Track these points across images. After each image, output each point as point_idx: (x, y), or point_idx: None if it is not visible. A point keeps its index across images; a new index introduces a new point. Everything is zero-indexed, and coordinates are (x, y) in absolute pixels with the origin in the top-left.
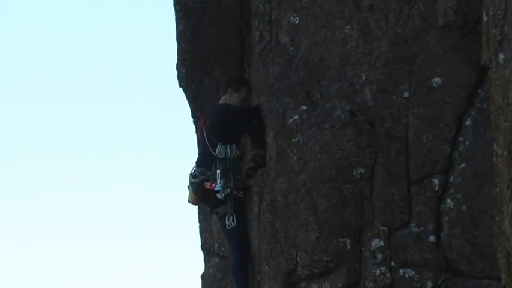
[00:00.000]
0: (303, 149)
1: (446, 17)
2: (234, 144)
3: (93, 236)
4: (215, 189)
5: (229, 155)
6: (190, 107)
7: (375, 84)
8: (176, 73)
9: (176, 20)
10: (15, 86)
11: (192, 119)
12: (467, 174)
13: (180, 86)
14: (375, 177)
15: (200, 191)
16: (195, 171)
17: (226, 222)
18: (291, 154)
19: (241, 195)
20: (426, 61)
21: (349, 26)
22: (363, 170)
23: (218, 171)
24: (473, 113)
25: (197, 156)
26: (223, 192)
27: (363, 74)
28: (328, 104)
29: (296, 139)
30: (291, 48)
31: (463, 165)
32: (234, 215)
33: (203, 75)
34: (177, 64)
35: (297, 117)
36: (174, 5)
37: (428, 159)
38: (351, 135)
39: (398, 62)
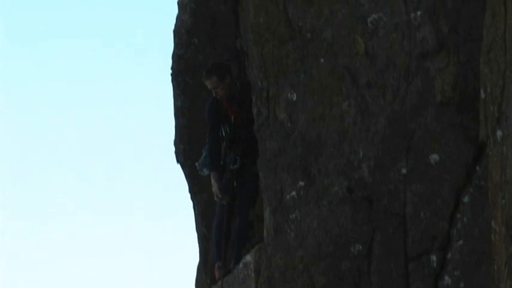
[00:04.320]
0: (301, 225)
1: (444, 93)
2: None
3: (87, 245)
4: None
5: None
6: (188, 183)
7: (373, 161)
8: (174, 149)
9: (174, 96)
10: None
11: (189, 195)
12: (465, 251)
13: (178, 162)
14: (373, 253)
15: None
16: None
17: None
18: (288, 230)
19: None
20: (424, 138)
21: (346, 103)
22: (360, 247)
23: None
24: (471, 190)
25: None
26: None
27: (361, 151)
28: (325, 180)
29: (294, 215)
30: (289, 124)
31: (461, 242)
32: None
33: (201, 151)
34: (174, 140)
35: (294, 193)
36: (172, 81)
37: (426, 235)
38: (348, 211)
39: (396, 139)
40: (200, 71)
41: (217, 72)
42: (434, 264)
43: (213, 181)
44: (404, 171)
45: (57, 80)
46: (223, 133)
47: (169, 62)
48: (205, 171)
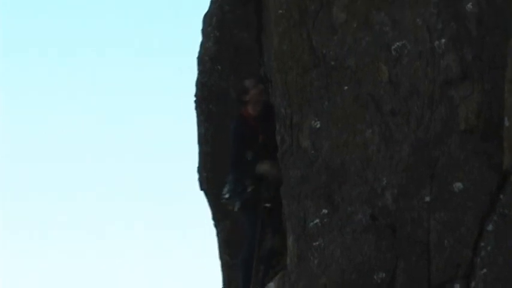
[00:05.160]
0: (324, 252)
1: (468, 121)
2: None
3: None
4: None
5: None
6: (211, 210)
7: (396, 189)
8: (197, 176)
9: (197, 123)
10: None
11: (212, 222)
12: (488, 280)
13: (201, 189)
14: (396, 281)
15: None
16: None
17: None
18: (311, 258)
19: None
20: (447, 166)
21: (370, 130)
22: (384, 274)
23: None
24: (494, 218)
25: None
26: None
27: (384, 178)
28: (349, 208)
29: (317, 243)
30: (312, 152)
31: (485, 270)
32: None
33: (224, 179)
34: (198, 167)
35: (318, 220)
36: (195, 109)
37: (449, 263)
38: (372, 239)
39: (420, 167)
40: (223, 98)
41: (254, 76)
42: None
43: (269, 169)
44: (428, 199)
45: (78, 110)
46: (250, 157)
47: (192, 89)
48: (238, 204)
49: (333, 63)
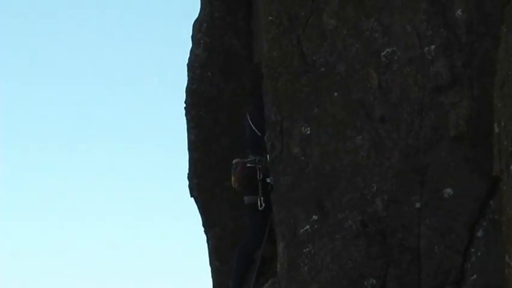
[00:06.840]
0: (314, 259)
1: (458, 128)
2: None
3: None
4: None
5: None
6: (202, 217)
7: (386, 195)
8: (187, 183)
9: (187, 129)
10: None
11: (203, 229)
12: (478, 286)
13: (192, 196)
14: (387, 287)
15: (239, 172)
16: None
17: (258, 203)
18: (302, 264)
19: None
20: (438, 172)
21: (360, 137)
22: (374, 281)
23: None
24: (484, 224)
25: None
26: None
27: (374, 185)
28: (339, 215)
29: (307, 249)
30: (302, 158)
31: (475, 276)
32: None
33: (214, 185)
34: (188, 174)
35: (308, 227)
36: (186, 115)
37: (440, 270)
38: (362, 245)
39: (410, 173)
40: (214, 104)
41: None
42: None
43: None
44: (418, 205)
45: (69, 120)
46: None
47: (183, 96)
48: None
49: (323, 69)
